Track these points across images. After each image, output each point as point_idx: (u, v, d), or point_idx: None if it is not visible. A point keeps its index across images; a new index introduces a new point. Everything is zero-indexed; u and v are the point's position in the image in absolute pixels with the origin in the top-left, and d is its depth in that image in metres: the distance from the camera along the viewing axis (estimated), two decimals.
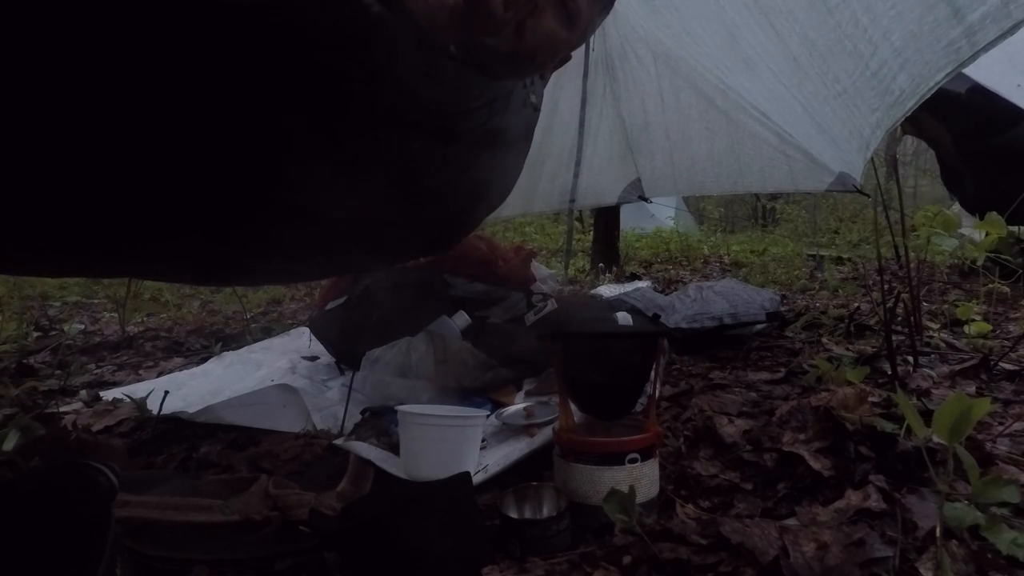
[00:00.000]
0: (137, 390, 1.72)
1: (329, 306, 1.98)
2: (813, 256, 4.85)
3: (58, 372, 2.10)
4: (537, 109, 1.21)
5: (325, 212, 0.99)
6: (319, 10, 0.67)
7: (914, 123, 3.26)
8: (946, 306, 2.36)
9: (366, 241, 1.20)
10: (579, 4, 0.91)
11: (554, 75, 1.20)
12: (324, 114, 0.80)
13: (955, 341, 1.78)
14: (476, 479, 1.05)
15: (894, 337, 1.55)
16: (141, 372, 2.23)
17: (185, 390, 1.84)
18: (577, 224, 6.65)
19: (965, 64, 1.28)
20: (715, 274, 4.45)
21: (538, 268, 2.22)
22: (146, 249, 1.00)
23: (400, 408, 1.15)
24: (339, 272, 1.91)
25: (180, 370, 2.14)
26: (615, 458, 0.96)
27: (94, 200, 0.79)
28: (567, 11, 0.90)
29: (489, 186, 1.27)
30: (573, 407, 1.07)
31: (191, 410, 1.50)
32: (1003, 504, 0.81)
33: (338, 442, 1.26)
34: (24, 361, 2.23)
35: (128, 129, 0.70)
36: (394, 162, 0.96)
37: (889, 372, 1.44)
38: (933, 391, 1.35)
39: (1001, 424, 1.13)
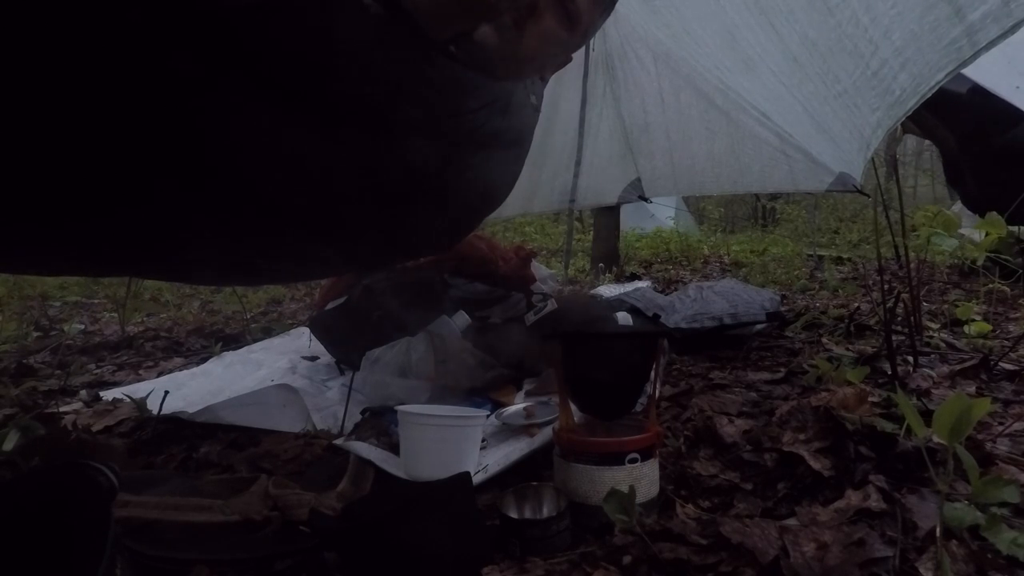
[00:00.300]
0: (137, 390, 1.72)
1: (329, 306, 1.98)
2: (813, 256, 4.85)
3: (58, 372, 2.10)
4: (537, 109, 1.21)
5: (322, 214, 0.99)
6: (317, 11, 0.67)
7: (917, 122, 3.26)
8: (946, 306, 2.36)
9: (365, 243, 1.20)
10: (580, 6, 0.91)
11: (554, 75, 1.20)
12: (322, 117, 0.80)
13: (955, 341, 1.78)
14: (476, 479, 1.05)
15: (894, 337, 1.55)
16: (141, 372, 2.23)
17: (185, 390, 1.83)
18: (577, 224, 6.65)
19: (966, 63, 1.28)
20: (715, 274, 4.45)
21: (538, 268, 2.22)
22: (149, 250, 1.00)
23: (400, 408, 1.15)
24: (339, 272, 1.91)
25: (180, 370, 2.14)
26: (615, 458, 0.96)
27: (93, 197, 0.79)
28: (567, 13, 0.90)
29: (489, 187, 1.27)
30: (573, 407, 1.07)
31: (191, 410, 1.50)
32: (1003, 504, 0.80)
33: (338, 442, 1.26)
34: (24, 361, 2.23)
35: (122, 129, 0.69)
36: (393, 164, 0.96)
37: (889, 372, 1.43)
38: (933, 391, 1.35)
39: (1001, 424, 1.13)
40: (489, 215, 1.47)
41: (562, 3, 0.88)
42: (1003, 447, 1.04)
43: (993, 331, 1.88)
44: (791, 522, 0.86)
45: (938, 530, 0.75)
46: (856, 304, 2.49)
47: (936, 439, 0.87)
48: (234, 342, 2.55)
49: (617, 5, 1.05)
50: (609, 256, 4.44)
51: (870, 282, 3.04)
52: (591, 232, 5.30)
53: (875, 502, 0.87)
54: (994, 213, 1.57)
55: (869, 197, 2.44)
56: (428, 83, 0.84)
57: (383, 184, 0.98)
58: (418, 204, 1.09)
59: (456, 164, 1.06)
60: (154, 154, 0.73)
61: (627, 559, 0.83)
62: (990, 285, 2.33)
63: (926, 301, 2.45)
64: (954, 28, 1.24)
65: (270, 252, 1.10)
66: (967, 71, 1.52)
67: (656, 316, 2.02)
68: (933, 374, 1.47)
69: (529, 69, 0.99)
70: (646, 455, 0.98)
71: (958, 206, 3.56)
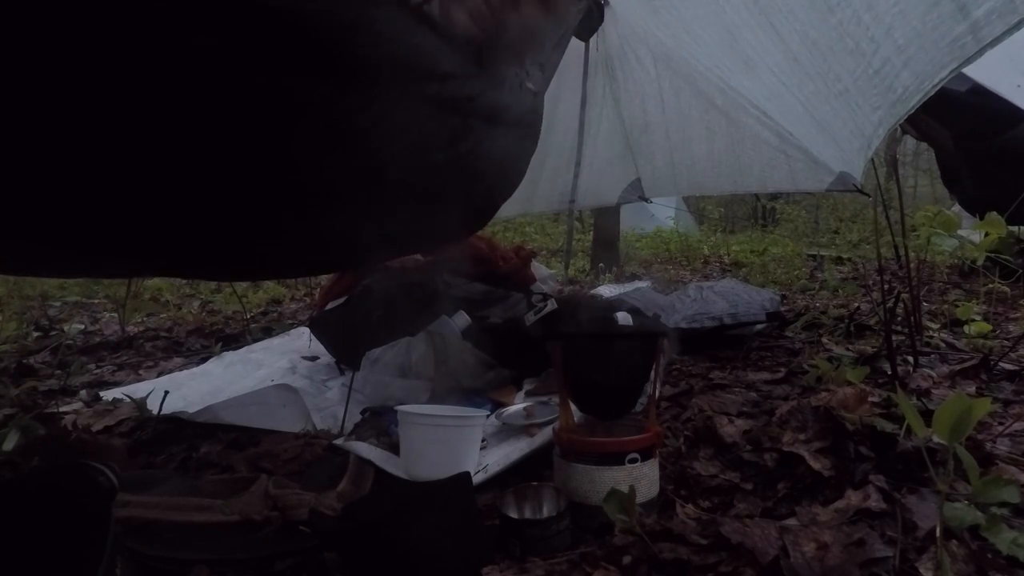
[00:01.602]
0: (137, 390, 1.72)
1: (329, 306, 1.98)
2: (813, 256, 4.85)
3: (58, 372, 2.10)
4: (536, 95, 1.20)
5: (341, 190, 0.99)
6: None
7: (914, 124, 3.25)
8: (946, 306, 2.36)
9: (396, 220, 1.18)
10: None
11: (554, 76, 1.19)
12: (320, 83, 0.79)
13: (955, 341, 1.77)
14: (476, 479, 1.05)
15: (894, 337, 1.54)
16: (141, 372, 2.23)
17: (185, 390, 1.84)
18: (577, 224, 6.66)
19: (970, 60, 1.27)
20: (715, 274, 4.45)
21: (538, 268, 2.22)
22: (166, 245, 1.00)
23: (400, 408, 1.15)
24: (359, 260, 1.88)
25: (180, 370, 2.14)
26: (615, 458, 0.96)
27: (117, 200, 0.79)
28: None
29: (503, 165, 1.25)
30: (573, 407, 1.07)
31: (191, 410, 1.50)
32: (1003, 504, 0.80)
33: (338, 442, 1.26)
34: (24, 361, 2.23)
35: (138, 120, 0.70)
36: (408, 129, 0.94)
37: (889, 372, 1.43)
38: (933, 391, 1.35)
39: (1001, 424, 1.13)
40: (507, 197, 1.44)
41: None
42: (1003, 447, 1.04)
43: (993, 331, 1.88)
44: (791, 522, 0.86)
45: (938, 530, 0.75)
46: (856, 304, 2.49)
47: (936, 439, 0.87)
48: (234, 342, 2.55)
49: (617, 5, 1.05)
50: (609, 256, 4.44)
51: (870, 282, 3.04)
52: (591, 232, 5.29)
53: (875, 502, 0.87)
54: (994, 213, 1.57)
55: (869, 197, 2.43)
56: (420, 39, 0.84)
57: (404, 149, 0.97)
58: (439, 176, 1.08)
59: (466, 137, 1.05)
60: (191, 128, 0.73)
61: (627, 559, 0.83)
62: (990, 285, 2.33)
63: (926, 301, 2.45)
64: (958, 25, 1.23)
65: (294, 241, 1.10)
66: (967, 69, 1.51)
67: (656, 316, 2.02)
68: (933, 374, 1.47)
69: (510, 55, 1.00)
70: (646, 455, 0.98)
71: (958, 206, 3.55)
